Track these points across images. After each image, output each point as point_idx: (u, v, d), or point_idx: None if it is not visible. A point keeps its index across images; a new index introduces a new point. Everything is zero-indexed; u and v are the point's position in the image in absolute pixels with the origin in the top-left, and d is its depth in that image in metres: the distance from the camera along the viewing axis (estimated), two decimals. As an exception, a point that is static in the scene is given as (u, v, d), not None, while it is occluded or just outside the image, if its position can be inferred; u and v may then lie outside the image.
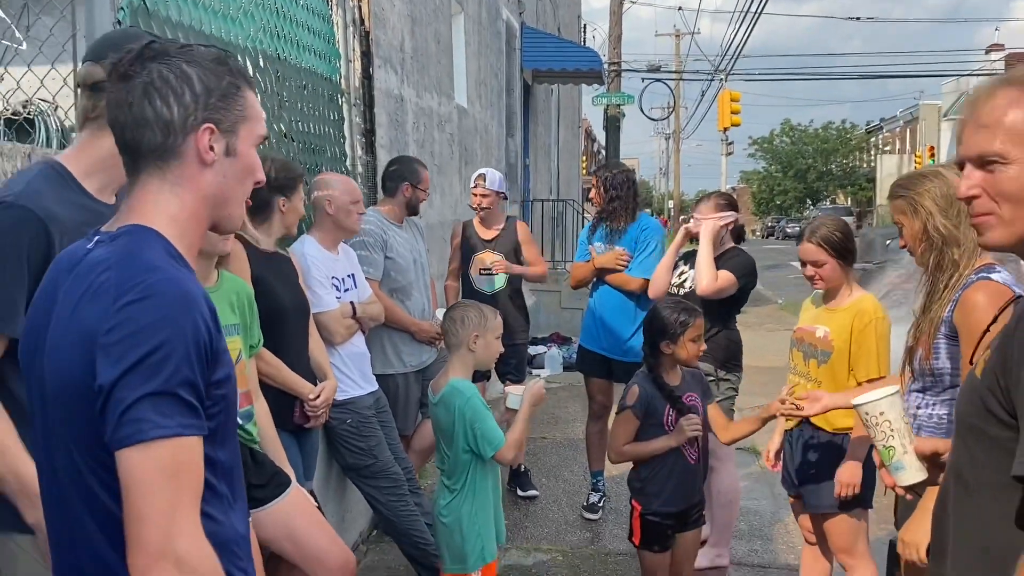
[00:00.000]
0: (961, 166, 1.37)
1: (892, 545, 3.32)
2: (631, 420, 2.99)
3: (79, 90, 1.79)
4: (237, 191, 1.33)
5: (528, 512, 4.71)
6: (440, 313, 4.26)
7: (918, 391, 2.45)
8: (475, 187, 4.81)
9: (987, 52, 37.42)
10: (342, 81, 4.54)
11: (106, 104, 1.29)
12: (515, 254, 4.88)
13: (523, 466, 5.00)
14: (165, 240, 1.25)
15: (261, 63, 3.62)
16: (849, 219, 34.29)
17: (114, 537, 1.21)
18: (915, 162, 41.66)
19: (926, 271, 2.39)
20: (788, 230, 45.40)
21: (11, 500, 1.63)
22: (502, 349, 2.85)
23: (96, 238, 1.27)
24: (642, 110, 21.44)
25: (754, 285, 3.94)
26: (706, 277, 3.71)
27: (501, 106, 8.94)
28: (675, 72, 29.68)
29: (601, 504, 4.65)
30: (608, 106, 19.10)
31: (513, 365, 4.92)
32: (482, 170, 4.92)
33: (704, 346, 3.09)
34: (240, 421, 2.39)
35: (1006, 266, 2.30)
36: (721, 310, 3.83)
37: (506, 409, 2.82)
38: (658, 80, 21.96)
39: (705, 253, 3.75)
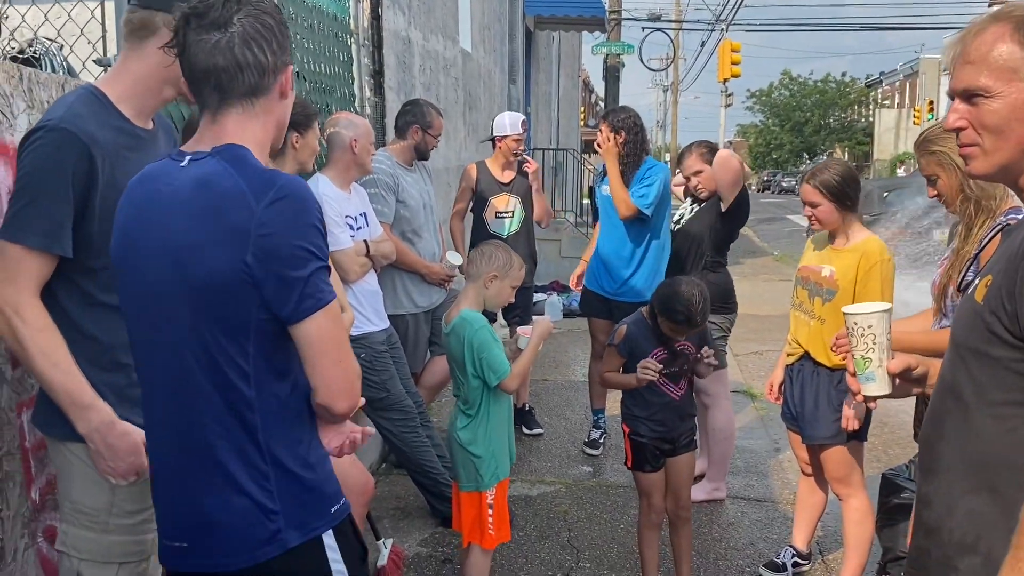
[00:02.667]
0: (953, 99, 1.44)
1: (884, 479, 3.47)
2: (615, 356, 3.15)
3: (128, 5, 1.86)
4: (288, 116, 1.60)
5: (532, 448, 4.86)
6: (450, 256, 4.34)
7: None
8: (520, 133, 4.81)
9: (990, 5, 36.99)
10: (351, 21, 4.55)
11: (194, 51, 1.42)
12: (530, 197, 4.94)
13: (527, 405, 5.14)
14: (255, 157, 1.47)
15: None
16: (846, 173, 34.15)
17: (243, 414, 1.43)
18: (914, 116, 41.46)
19: (962, 218, 2.51)
20: (784, 184, 45.39)
21: (64, 411, 1.72)
22: (512, 300, 2.93)
23: (188, 157, 1.45)
24: (642, 60, 21.19)
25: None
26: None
27: (504, 52, 8.89)
28: (675, 21, 29.32)
29: (602, 440, 4.81)
30: (608, 55, 18.91)
31: (519, 310, 5.02)
32: (518, 115, 4.95)
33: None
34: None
35: None
36: (711, 250, 3.95)
37: (517, 349, 2.92)
38: (658, 29, 21.67)
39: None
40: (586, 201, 14.15)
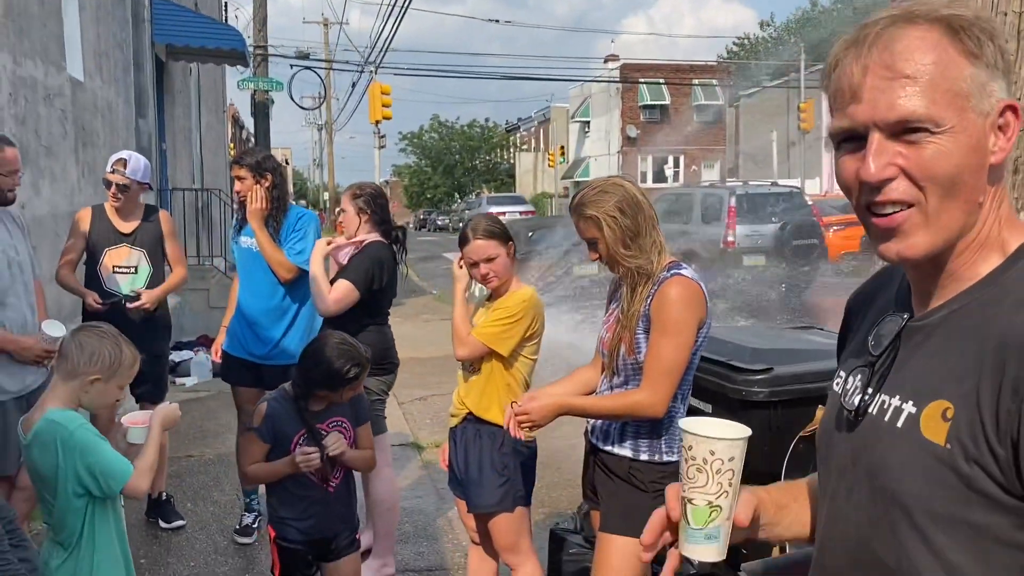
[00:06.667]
0: (849, 137, 0.98)
1: (552, 535, 3.40)
2: (256, 442, 2.71)
3: None
4: None
5: (171, 546, 4.11)
6: (48, 326, 3.52)
7: (620, 385, 2.50)
8: (113, 172, 4.10)
9: (605, 61, 42.04)
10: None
11: None
12: (159, 249, 4.27)
13: (164, 494, 4.38)
14: None
15: None
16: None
17: None
18: (548, 159, 45.66)
19: (626, 280, 2.46)
20: (439, 222, 47.29)
21: None
22: (120, 398, 2.38)
23: None
24: (291, 97, 20.64)
25: (388, 280, 3.63)
26: (322, 301, 3.51)
27: (128, 82, 7.91)
28: (325, 61, 29.18)
29: (256, 525, 4.21)
30: (256, 91, 18.14)
31: (151, 383, 4.29)
32: (123, 154, 4.22)
33: (358, 390, 2.81)
34: None
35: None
36: (356, 312, 3.59)
37: (129, 445, 2.34)
38: (307, 68, 21.32)
39: (319, 274, 3.55)
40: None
